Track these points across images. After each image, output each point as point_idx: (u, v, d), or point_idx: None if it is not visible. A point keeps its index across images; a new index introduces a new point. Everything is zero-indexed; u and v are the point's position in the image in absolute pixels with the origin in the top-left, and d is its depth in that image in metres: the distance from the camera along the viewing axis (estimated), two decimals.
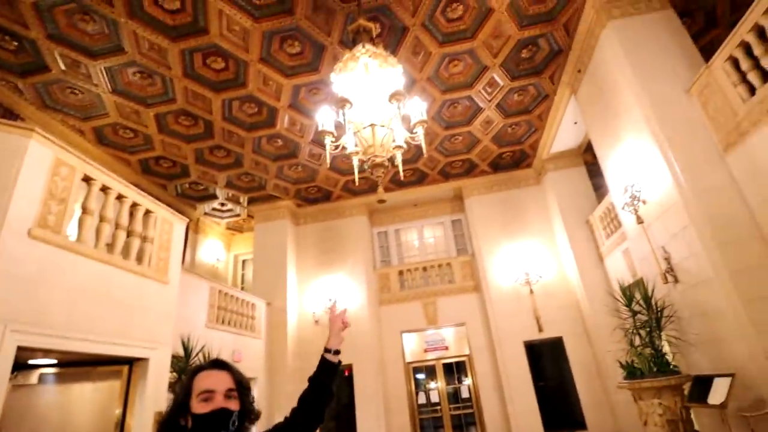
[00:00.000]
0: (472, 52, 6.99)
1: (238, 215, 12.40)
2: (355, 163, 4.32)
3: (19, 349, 3.22)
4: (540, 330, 9.65)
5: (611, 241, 8.29)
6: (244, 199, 11.35)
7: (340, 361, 1.46)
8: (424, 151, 4.15)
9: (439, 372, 10.66)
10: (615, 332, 7.04)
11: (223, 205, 11.73)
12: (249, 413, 1.16)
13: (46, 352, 3.72)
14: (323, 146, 8.88)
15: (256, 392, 8.60)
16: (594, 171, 9.89)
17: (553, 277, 10.08)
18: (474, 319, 10.55)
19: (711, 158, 5.11)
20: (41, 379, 4.35)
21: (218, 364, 1.18)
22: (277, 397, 9.46)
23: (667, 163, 5.33)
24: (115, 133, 8.26)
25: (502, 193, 11.20)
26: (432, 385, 10.73)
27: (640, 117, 5.77)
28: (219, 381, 1.12)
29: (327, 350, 1.44)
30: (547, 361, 9.72)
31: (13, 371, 3.23)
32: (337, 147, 4.23)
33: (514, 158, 10.64)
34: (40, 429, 4.17)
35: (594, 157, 8.59)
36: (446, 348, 11.01)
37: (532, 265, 10.09)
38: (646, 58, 5.80)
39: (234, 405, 1.12)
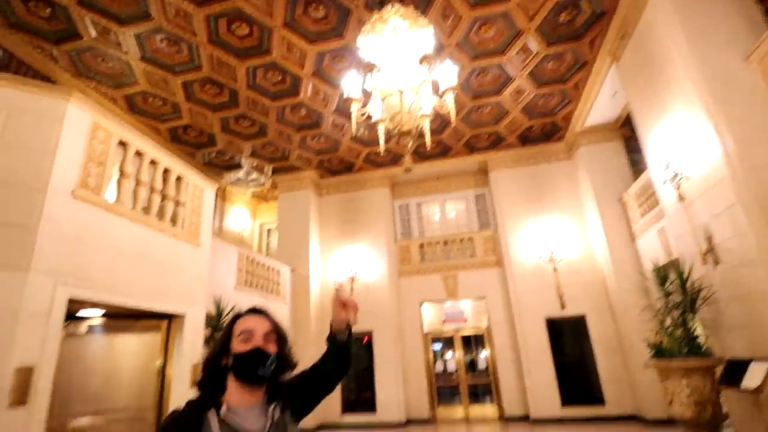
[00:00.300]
0: (506, 15, 6.67)
1: (262, 185, 12.54)
2: (381, 131, 4.26)
3: (70, 301, 3.42)
4: (562, 307, 9.59)
5: (646, 219, 8.03)
6: (268, 168, 11.46)
7: (350, 333, 1.36)
8: (453, 118, 4.02)
9: (457, 343, 10.79)
10: (643, 312, 6.94)
11: (248, 174, 11.86)
12: (286, 359, 1.23)
13: (93, 305, 3.93)
14: (346, 116, 8.88)
15: None
16: (631, 146, 9.52)
17: (579, 254, 9.91)
18: (494, 293, 10.55)
19: None
20: (90, 329, 4.64)
21: (257, 311, 1.24)
22: (300, 358, 9.75)
23: (719, 136, 4.99)
24: (145, 102, 8.38)
25: (530, 168, 10.94)
26: (449, 355, 10.90)
27: (691, 87, 5.39)
28: (258, 324, 1.19)
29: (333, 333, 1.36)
30: (568, 337, 9.69)
31: (64, 321, 3.44)
32: (363, 114, 4.17)
33: (544, 131, 10.31)
34: (89, 374, 4.48)
35: (632, 130, 8.24)
36: (465, 320, 11.10)
37: (558, 242, 9.94)
38: (701, 21, 5.35)
39: (272, 348, 1.18)
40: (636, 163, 9.59)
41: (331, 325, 1.37)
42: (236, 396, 1.13)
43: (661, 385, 5.54)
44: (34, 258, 3.15)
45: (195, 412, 1.09)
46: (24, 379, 3.01)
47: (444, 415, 10.30)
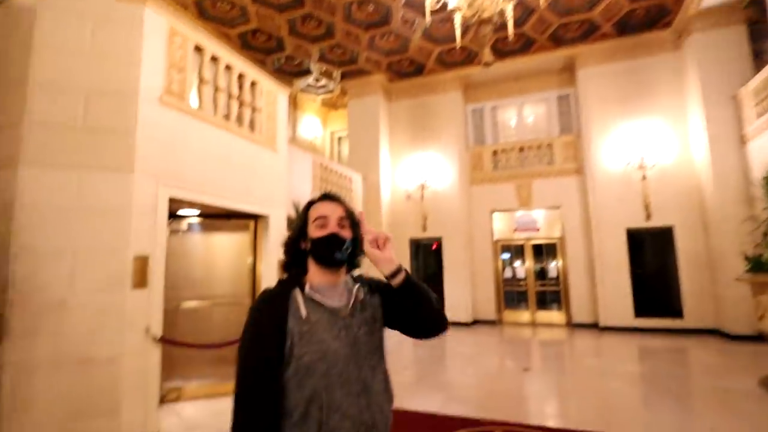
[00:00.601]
0: None
1: (331, 91, 12.42)
2: (458, 21, 3.87)
3: (170, 201, 3.81)
4: (648, 218, 8.98)
5: (764, 119, 6.88)
6: (337, 74, 11.21)
7: (406, 273, 1.16)
8: (541, 0, 3.51)
9: (528, 251, 10.75)
10: (744, 224, 6.30)
11: (317, 80, 11.73)
12: (361, 243, 1.23)
13: (189, 205, 4.38)
14: (417, 9, 8.14)
15: None
16: (757, 32, 7.87)
17: (673, 161, 8.94)
18: (571, 202, 10.09)
19: None
20: (189, 227, 5.25)
21: (329, 197, 1.27)
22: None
23: None
24: (214, 6, 8.30)
25: (626, 63, 9.57)
26: (519, 262, 10.94)
27: None
28: (331, 210, 1.22)
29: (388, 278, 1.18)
30: (649, 249, 9.20)
31: (168, 219, 3.88)
32: (438, 2, 3.79)
33: (648, 16, 8.76)
34: (192, 266, 5.19)
35: (762, 12, 6.73)
36: (537, 230, 10.89)
37: (650, 148, 8.99)
38: None
39: (346, 233, 1.20)
40: (759, 53, 8.01)
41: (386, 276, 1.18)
42: (318, 276, 1.20)
43: (753, 299, 5.21)
44: (136, 161, 3.47)
45: (284, 289, 1.18)
46: (142, 266, 3.52)
47: (510, 318, 10.69)
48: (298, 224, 1.26)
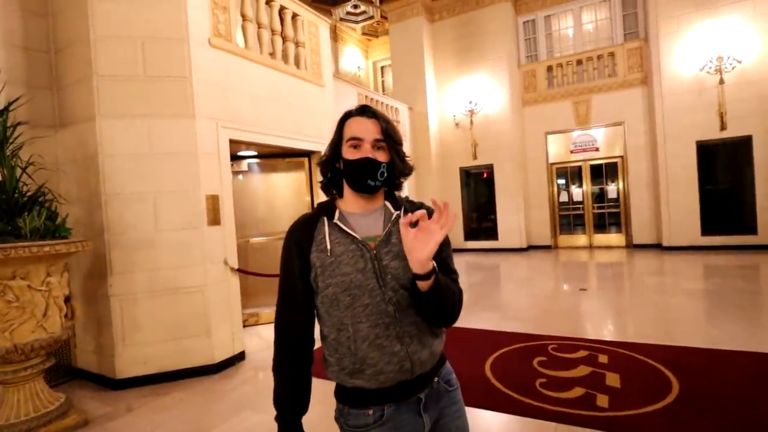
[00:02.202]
0: None
1: (372, 17, 11.85)
2: None
3: (229, 142, 4.01)
4: (722, 128, 8.19)
5: None
6: None
7: (435, 278, 0.94)
8: None
9: (585, 173, 10.31)
10: None
11: (356, 7, 11.20)
12: (400, 164, 1.11)
13: (247, 145, 4.58)
14: None
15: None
16: None
17: (755, 60, 7.90)
18: (635, 117, 9.38)
19: None
20: (249, 168, 5.54)
21: (367, 112, 1.11)
22: (424, 190, 10.56)
23: None
24: None
25: None
26: (575, 185, 10.56)
27: None
28: (367, 130, 1.08)
29: (416, 277, 0.95)
30: (722, 162, 8.51)
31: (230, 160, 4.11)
32: None
33: None
34: (255, 205, 5.54)
35: None
36: (596, 149, 10.32)
37: (729, 47, 7.96)
38: None
39: (382, 156, 1.08)
40: None
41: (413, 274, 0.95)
42: (352, 201, 1.12)
43: None
44: (196, 106, 3.64)
45: (317, 215, 1.12)
46: (214, 204, 3.82)
47: (566, 243, 10.58)
48: (333, 141, 1.13)
